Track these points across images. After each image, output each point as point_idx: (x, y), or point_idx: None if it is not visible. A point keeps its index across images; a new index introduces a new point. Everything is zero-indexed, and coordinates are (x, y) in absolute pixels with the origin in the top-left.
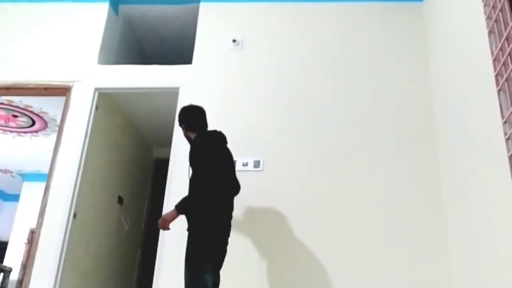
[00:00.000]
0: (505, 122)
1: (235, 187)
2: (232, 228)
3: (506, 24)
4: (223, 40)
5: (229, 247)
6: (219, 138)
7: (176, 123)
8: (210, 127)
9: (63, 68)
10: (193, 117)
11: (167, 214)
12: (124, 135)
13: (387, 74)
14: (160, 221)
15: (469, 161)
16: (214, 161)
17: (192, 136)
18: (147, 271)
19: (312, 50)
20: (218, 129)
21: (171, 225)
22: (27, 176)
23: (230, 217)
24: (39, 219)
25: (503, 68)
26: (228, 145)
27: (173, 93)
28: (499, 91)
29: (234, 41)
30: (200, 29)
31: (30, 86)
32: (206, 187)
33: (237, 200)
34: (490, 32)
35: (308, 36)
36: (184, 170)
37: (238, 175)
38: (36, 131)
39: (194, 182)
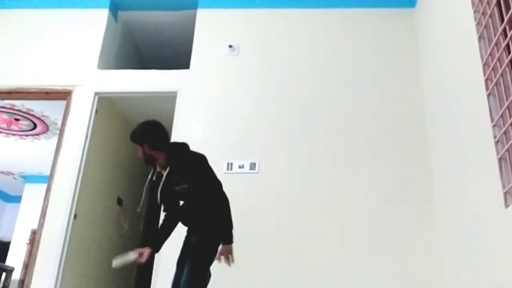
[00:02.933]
0: (494, 125)
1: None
2: None
3: (495, 30)
4: (219, 45)
5: None
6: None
7: (175, 125)
8: (208, 130)
9: (64, 72)
10: (161, 135)
11: (231, 247)
12: (123, 138)
13: (380, 79)
14: (226, 253)
15: (460, 163)
16: (215, 176)
17: (158, 155)
18: (146, 271)
19: (307, 55)
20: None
21: None
22: (28, 178)
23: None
24: (40, 220)
25: (492, 72)
26: (224, 148)
27: (171, 97)
28: (488, 95)
29: (230, 46)
30: (198, 34)
31: (32, 90)
32: (226, 202)
33: (234, 201)
34: (480, 38)
35: (302, 41)
36: None
37: (235, 177)
38: (37, 134)
39: (213, 202)
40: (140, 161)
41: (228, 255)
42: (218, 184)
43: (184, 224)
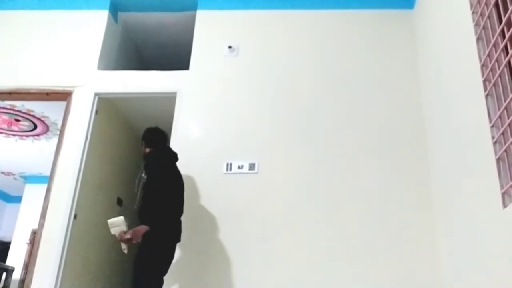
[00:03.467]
0: (492, 126)
1: (181, 205)
2: (228, 229)
3: (493, 31)
4: (219, 46)
5: (223, 248)
6: (171, 154)
7: (175, 126)
8: (206, 130)
9: (64, 73)
10: (153, 136)
11: (140, 228)
12: (123, 138)
13: (378, 80)
14: (133, 234)
15: (458, 164)
16: (166, 173)
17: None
18: None
19: (306, 56)
20: (171, 147)
21: None
22: (29, 179)
23: (179, 227)
24: (40, 220)
25: (490, 73)
26: (224, 148)
27: (171, 97)
28: (486, 96)
29: (229, 47)
30: (197, 35)
31: (32, 91)
32: (161, 196)
33: (233, 202)
34: (478, 39)
35: (301, 42)
36: (181, 171)
37: (234, 177)
38: (37, 135)
39: (149, 191)
40: (140, 161)
41: (133, 236)
42: (160, 185)
43: None
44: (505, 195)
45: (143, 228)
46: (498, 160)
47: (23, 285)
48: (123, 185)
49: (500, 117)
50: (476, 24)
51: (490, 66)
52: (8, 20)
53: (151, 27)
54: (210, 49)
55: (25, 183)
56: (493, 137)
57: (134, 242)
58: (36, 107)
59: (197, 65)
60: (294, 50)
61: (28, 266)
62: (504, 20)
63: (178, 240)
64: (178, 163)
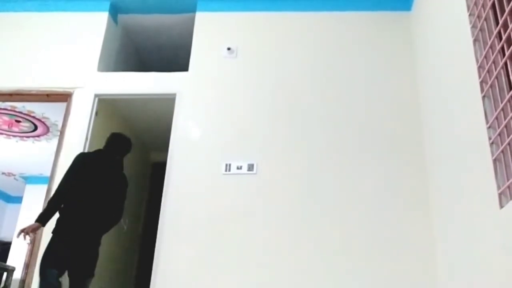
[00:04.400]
0: (489, 127)
1: (109, 212)
2: (227, 230)
3: (490, 33)
4: (218, 48)
5: (222, 248)
6: (99, 158)
7: (173, 127)
8: (205, 131)
9: (64, 75)
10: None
11: (32, 224)
12: None
13: (376, 81)
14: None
15: (455, 165)
16: (79, 177)
17: None
18: (145, 271)
19: (304, 58)
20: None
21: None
22: (29, 179)
23: (91, 231)
24: None
25: (487, 75)
26: (222, 149)
27: (170, 99)
28: (483, 97)
29: (228, 49)
30: (196, 37)
31: (33, 92)
32: (60, 197)
33: (232, 202)
34: (475, 41)
35: (300, 44)
36: (180, 172)
37: (233, 178)
38: (38, 136)
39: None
40: (140, 162)
41: (27, 232)
42: (63, 183)
43: None
44: (502, 196)
45: (32, 226)
46: (494, 160)
47: (24, 285)
48: None
49: (496, 118)
50: (473, 26)
51: (487, 68)
52: (8, 22)
53: (150, 29)
54: (209, 51)
55: (25, 183)
56: (489, 138)
57: (27, 233)
58: (37, 108)
59: (196, 66)
60: (292, 52)
61: (29, 266)
62: (500, 22)
63: (81, 241)
64: (177, 163)
